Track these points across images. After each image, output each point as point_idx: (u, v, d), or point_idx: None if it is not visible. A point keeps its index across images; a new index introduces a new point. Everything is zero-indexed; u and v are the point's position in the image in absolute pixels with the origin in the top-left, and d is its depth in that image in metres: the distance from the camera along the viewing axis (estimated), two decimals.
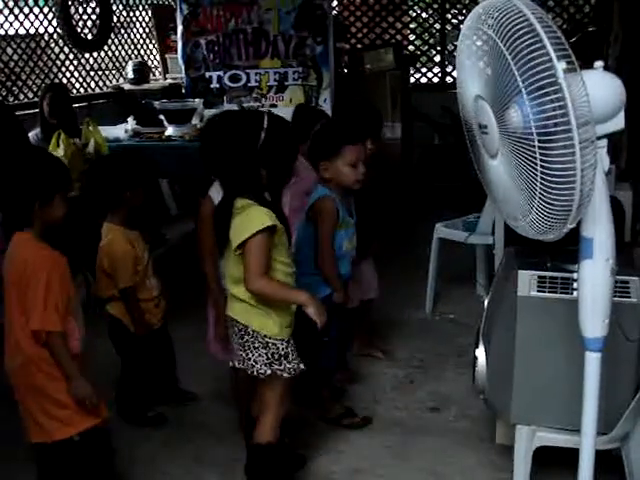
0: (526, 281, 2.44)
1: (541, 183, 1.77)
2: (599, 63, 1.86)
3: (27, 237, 2.43)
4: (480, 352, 2.63)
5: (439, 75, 7.93)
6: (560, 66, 1.68)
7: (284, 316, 2.53)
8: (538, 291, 2.44)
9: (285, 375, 2.53)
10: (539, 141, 1.74)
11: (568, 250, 2.14)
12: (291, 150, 2.54)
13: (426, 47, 8.04)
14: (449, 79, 7.82)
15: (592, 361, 2.02)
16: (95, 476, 2.61)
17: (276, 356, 2.51)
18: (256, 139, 2.42)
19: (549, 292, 2.42)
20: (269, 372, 2.51)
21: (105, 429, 2.60)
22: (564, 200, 1.77)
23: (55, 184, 2.43)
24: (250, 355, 2.51)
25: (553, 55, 1.68)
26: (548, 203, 1.79)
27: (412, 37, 8.15)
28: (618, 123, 1.88)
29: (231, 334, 2.61)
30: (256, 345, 2.50)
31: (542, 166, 1.75)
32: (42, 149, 3.03)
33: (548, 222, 1.84)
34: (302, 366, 2.57)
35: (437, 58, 7.98)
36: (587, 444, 2.09)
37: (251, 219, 2.41)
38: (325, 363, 3.15)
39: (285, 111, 5.96)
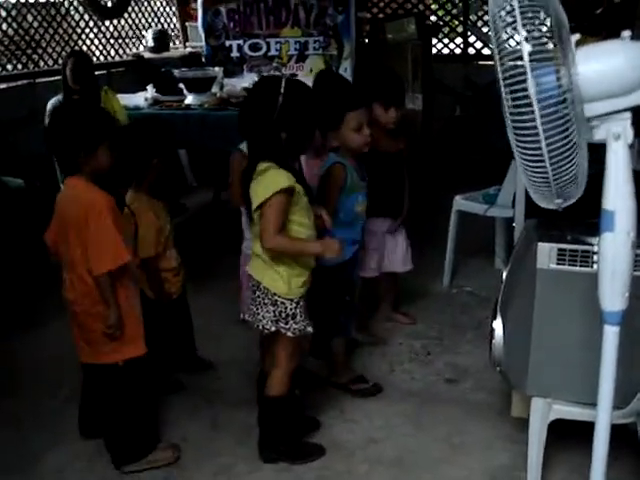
0: (546, 254, 2.43)
1: (519, 159, 1.81)
2: (626, 33, 1.82)
3: (80, 181, 2.63)
4: (497, 324, 2.63)
5: (461, 46, 7.84)
6: (526, 49, 1.68)
7: (295, 277, 2.61)
8: (558, 264, 2.42)
9: (289, 334, 2.63)
10: (512, 121, 1.76)
11: (589, 223, 2.12)
12: (310, 113, 2.57)
13: (448, 17, 7.94)
14: (471, 50, 7.73)
15: (610, 335, 2.01)
16: (133, 398, 2.79)
17: (283, 315, 2.61)
18: (274, 103, 2.47)
19: (569, 265, 2.40)
20: (273, 329, 2.63)
21: (146, 358, 2.78)
22: (538, 176, 1.80)
23: (98, 136, 2.60)
24: (259, 310, 2.63)
25: (523, 36, 1.67)
26: (527, 176, 1.84)
27: (434, 7, 8.05)
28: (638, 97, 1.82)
29: (249, 288, 2.73)
30: (265, 301, 2.62)
31: (517, 145, 1.78)
32: (89, 103, 3.25)
33: (536, 192, 1.88)
34: (310, 329, 2.68)
35: (459, 29, 7.88)
36: (603, 418, 2.08)
37: (269, 181, 2.49)
38: (344, 320, 3.20)
39: (305, 80, 5.96)
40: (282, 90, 2.47)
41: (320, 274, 2.93)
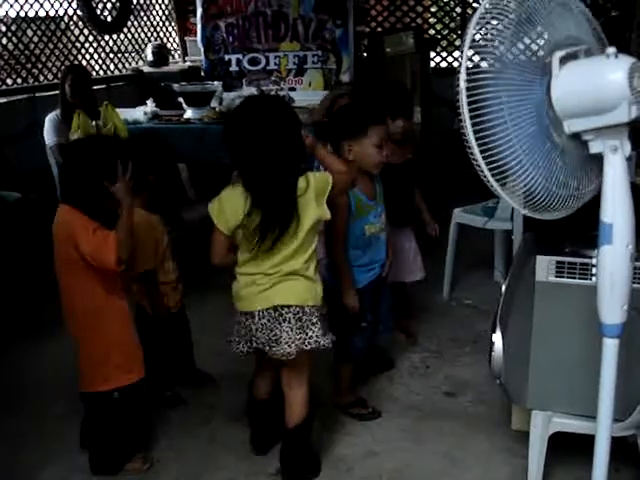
0: (544, 266, 2.43)
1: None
2: (611, 50, 1.83)
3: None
4: (497, 337, 2.62)
5: (460, 59, 7.86)
6: (462, 78, 1.87)
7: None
8: (556, 277, 2.42)
9: (330, 344, 2.61)
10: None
11: (587, 235, 2.12)
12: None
13: (447, 31, 7.97)
14: (469, 63, 7.75)
15: (610, 347, 2.01)
16: (129, 426, 2.84)
17: (325, 326, 2.59)
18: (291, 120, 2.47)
19: (567, 278, 2.41)
20: (329, 341, 2.59)
21: (141, 385, 2.78)
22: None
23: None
24: (311, 333, 2.55)
25: (463, 69, 1.85)
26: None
27: (433, 21, 8.08)
28: (619, 115, 1.80)
29: (272, 327, 2.54)
30: (314, 320, 2.55)
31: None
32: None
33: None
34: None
35: (458, 42, 7.90)
36: (603, 431, 2.08)
37: (322, 184, 2.49)
38: (360, 344, 3.15)
39: (304, 94, 5.98)
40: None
41: (337, 299, 2.95)
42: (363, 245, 3.02)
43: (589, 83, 1.82)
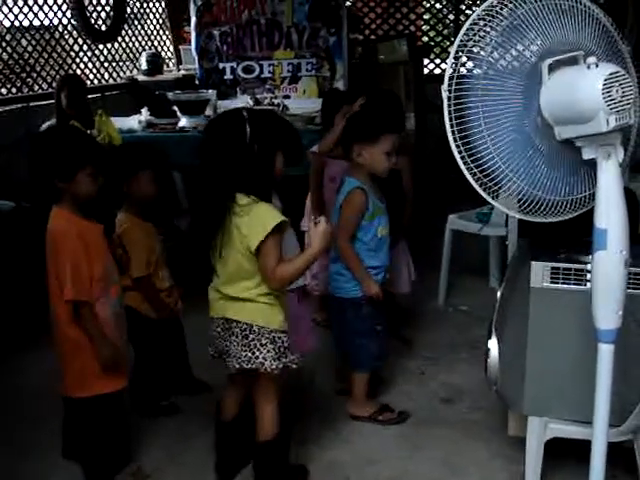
0: (539, 272, 2.43)
1: None
2: (591, 59, 1.83)
3: (57, 210, 2.58)
4: (493, 344, 2.63)
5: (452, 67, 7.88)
6: (444, 88, 1.95)
7: (282, 306, 2.51)
8: (551, 282, 2.43)
9: (293, 366, 2.52)
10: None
11: (582, 241, 2.13)
12: (275, 140, 2.49)
13: (440, 38, 8.00)
14: (463, 70, 7.78)
15: (605, 353, 2.01)
16: (106, 435, 2.73)
17: (282, 349, 2.48)
18: (243, 133, 2.38)
19: (562, 283, 2.41)
20: (281, 366, 2.48)
21: (120, 394, 2.72)
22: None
23: (75, 162, 2.50)
24: (257, 353, 2.46)
25: (446, 80, 1.92)
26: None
27: (426, 28, 8.11)
28: (597, 125, 1.81)
29: (224, 337, 2.54)
30: (263, 342, 2.46)
31: None
32: (70, 128, 3.18)
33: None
34: (300, 357, 2.57)
35: (451, 49, 7.93)
36: (599, 436, 2.08)
37: (261, 218, 2.36)
38: (374, 350, 3.14)
39: (298, 102, 5.99)
40: (246, 117, 2.39)
41: (350, 305, 2.97)
42: (375, 247, 3.06)
43: (570, 92, 1.83)
